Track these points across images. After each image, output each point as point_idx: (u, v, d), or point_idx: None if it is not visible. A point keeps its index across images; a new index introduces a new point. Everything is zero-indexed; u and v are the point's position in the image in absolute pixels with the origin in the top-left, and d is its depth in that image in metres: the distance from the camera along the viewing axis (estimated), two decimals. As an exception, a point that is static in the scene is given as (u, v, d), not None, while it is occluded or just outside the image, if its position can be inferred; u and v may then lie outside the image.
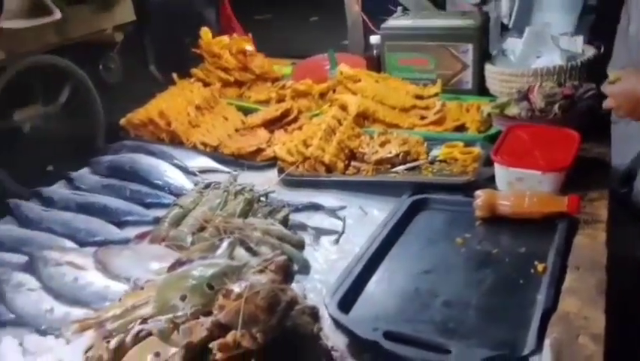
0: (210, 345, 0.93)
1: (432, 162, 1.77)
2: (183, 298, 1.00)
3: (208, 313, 0.99)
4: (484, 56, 2.21)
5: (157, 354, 0.95)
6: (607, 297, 1.16)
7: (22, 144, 2.47)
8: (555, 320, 1.10)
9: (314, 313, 1.10)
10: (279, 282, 1.05)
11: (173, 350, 0.95)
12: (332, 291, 1.22)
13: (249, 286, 0.98)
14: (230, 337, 0.94)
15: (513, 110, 1.86)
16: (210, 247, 1.23)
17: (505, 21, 2.42)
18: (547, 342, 1.04)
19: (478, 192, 1.47)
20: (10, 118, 2.50)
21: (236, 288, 0.98)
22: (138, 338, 1.01)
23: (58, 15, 1.96)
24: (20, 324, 1.24)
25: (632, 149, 2.84)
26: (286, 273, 1.09)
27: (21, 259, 1.40)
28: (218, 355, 0.93)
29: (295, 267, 1.36)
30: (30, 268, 1.35)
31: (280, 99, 2.23)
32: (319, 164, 1.76)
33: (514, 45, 2.20)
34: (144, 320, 1.02)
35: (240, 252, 1.30)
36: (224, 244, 1.21)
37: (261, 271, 1.06)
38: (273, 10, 7.41)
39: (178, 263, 1.17)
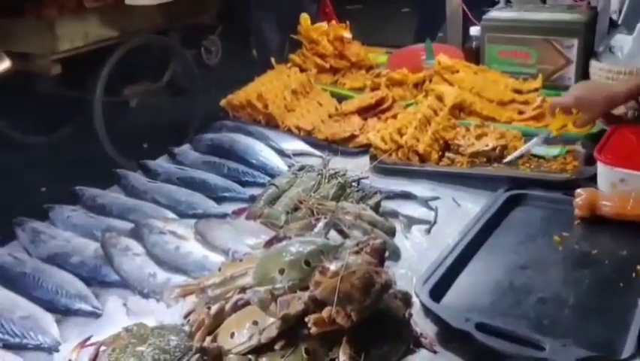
0: (306, 319, 0.96)
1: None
2: (282, 271, 1.04)
3: (305, 289, 1.02)
4: (589, 52, 2.13)
5: (255, 322, 1.00)
6: None
7: (129, 118, 2.61)
8: (656, 326, 1.05)
9: (406, 299, 1.12)
10: (375, 265, 1.06)
11: (271, 320, 0.99)
12: (423, 279, 1.22)
13: (345, 266, 1.00)
14: (325, 313, 0.97)
15: (619, 109, 1.78)
16: (307, 226, 1.26)
17: (615, 17, 2.31)
18: (647, 348, 1.00)
19: (579, 191, 1.42)
20: (120, 93, 2.64)
21: (332, 266, 1.01)
22: (237, 306, 1.06)
23: None
24: (125, 286, 1.31)
25: None
26: (381, 256, 1.10)
27: (128, 225, 1.48)
28: (313, 329, 0.96)
29: (385, 253, 1.38)
30: (136, 234, 1.42)
31: (375, 87, 2.24)
32: (413, 153, 1.76)
33: (622, 42, 2.10)
34: (243, 290, 1.07)
35: (332, 234, 1.33)
36: (321, 224, 1.24)
37: (357, 253, 1.08)
38: (365, 0, 7.41)
39: (276, 239, 1.22)
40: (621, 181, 1.47)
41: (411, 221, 1.52)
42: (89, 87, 2.59)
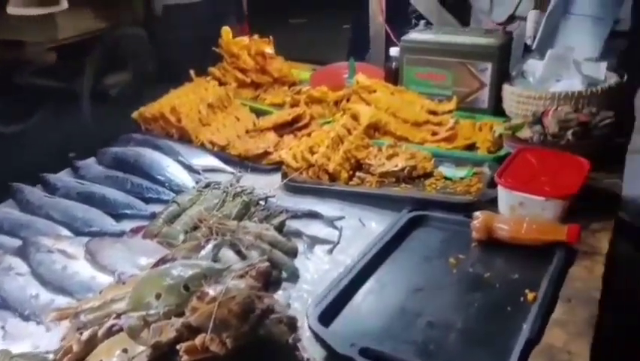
0: (177, 347, 0.93)
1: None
2: (158, 296, 1.00)
3: (182, 315, 0.98)
4: (503, 76, 2.18)
5: (125, 350, 0.95)
6: (597, 333, 1.12)
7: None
8: (537, 352, 1.06)
9: (291, 324, 1.09)
10: (258, 289, 1.04)
11: (142, 348, 0.95)
12: (315, 302, 1.20)
13: (225, 291, 0.97)
14: (198, 340, 0.93)
15: (525, 133, 1.82)
16: (196, 247, 1.22)
17: (529, 42, 2.38)
18: (525, 374, 1.01)
19: (476, 214, 1.44)
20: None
21: (211, 291, 0.98)
22: (111, 333, 1.01)
23: (65, 5, 2.02)
24: (5, 307, 1.24)
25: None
26: (267, 280, 1.08)
27: (16, 243, 1.42)
28: (185, 357, 0.92)
29: (284, 275, 1.36)
30: (22, 252, 1.36)
31: (294, 104, 2.22)
32: (323, 172, 1.75)
33: (534, 67, 2.16)
34: (119, 315, 1.02)
35: (229, 255, 1.30)
36: (210, 246, 1.21)
37: (241, 277, 1.05)
38: (310, 14, 7.44)
39: (162, 261, 1.17)
40: (520, 205, 1.50)
41: (314, 241, 1.50)
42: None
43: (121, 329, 1.00)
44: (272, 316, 1.04)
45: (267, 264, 1.08)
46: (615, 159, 1.83)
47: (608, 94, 1.97)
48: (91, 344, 0.99)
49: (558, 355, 1.06)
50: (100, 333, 1.00)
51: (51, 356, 1.00)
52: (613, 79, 2.06)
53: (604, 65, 2.13)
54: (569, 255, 1.34)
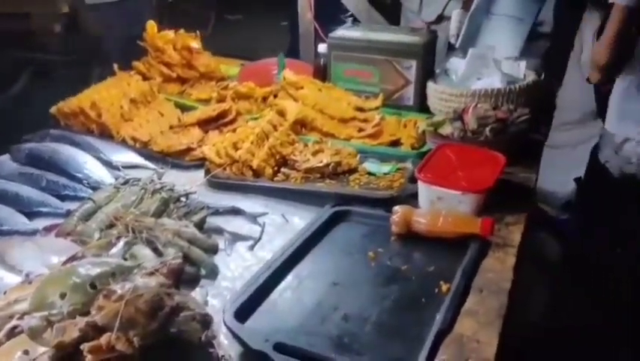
0: (81, 347, 0.90)
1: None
2: (63, 295, 0.96)
3: (88, 314, 0.95)
4: (427, 74, 2.22)
5: (26, 352, 0.92)
6: (505, 322, 1.16)
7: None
8: (448, 342, 1.09)
9: (205, 321, 1.07)
10: (169, 286, 1.02)
11: (44, 349, 0.92)
12: (232, 299, 1.19)
13: (133, 289, 0.95)
14: (103, 339, 0.90)
15: (447, 130, 1.86)
16: (107, 245, 1.19)
17: (453, 41, 2.44)
18: (434, 363, 1.04)
19: (395, 208, 1.46)
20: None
21: (118, 289, 0.95)
22: (13, 334, 0.97)
23: None
24: None
25: (574, 176, 2.91)
26: (178, 277, 1.06)
27: None
28: (89, 357, 0.89)
29: (202, 272, 1.35)
30: None
31: (221, 99, 2.20)
32: (247, 168, 1.73)
33: (457, 65, 2.21)
34: (22, 316, 0.98)
35: (146, 252, 1.27)
36: (121, 243, 1.17)
37: (151, 274, 1.03)
38: (248, 10, 7.38)
39: (72, 259, 1.14)
40: (439, 199, 1.53)
41: (236, 238, 1.49)
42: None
43: (23, 331, 0.96)
44: (184, 313, 1.03)
45: (179, 261, 1.06)
46: (532, 154, 1.90)
47: (526, 92, 2.03)
48: (-8, 347, 0.95)
49: (468, 344, 1.09)
50: (1, 335, 0.95)
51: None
52: (531, 77, 2.13)
53: (523, 63, 2.21)
54: (483, 247, 1.38)
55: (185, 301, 1.01)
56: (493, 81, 2.08)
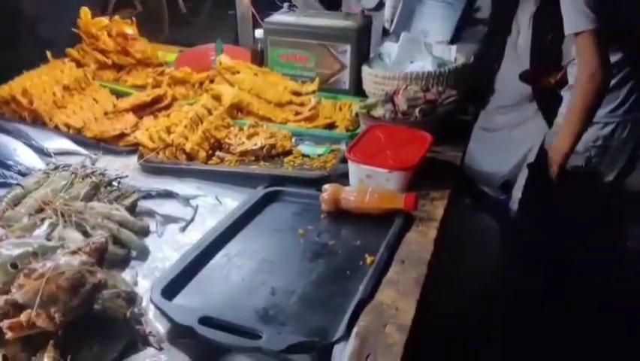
0: (1, 324, 0.91)
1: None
2: (-18, 276, 0.97)
3: (8, 293, 0.96)
4: (363, 58, 2.26)
5: (-55, 332, 0.92)
6: (424, 290, 1.21)
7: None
8: (368, 310, 1.14)
9: (130, 298, 1.10)
10: (92, 264, 1.03)
11: (-38, 328, 0.92)
12: (161, 277, 1.21)
13: (54, 267, 0.96)
14: (24, 316, 0.92)
15: (379, 111, 1.92)
16: (31, 227, 1.19)
17: (387, 26, 2.49)
18: (354, 330, 1.08)
19: (325, 187, 1.50)
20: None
21: (39, 267, 0.96)
22: None
23: None
24: None
25: (511, 158, 3.01)
26: (102, 255, 1.07)
27: None
28: (9, 334, 0.90)
29: (133, 253, 1.36)
30: None
31: (157, 85, 2.19)
32: (180, 152, 1.75)
33: (390, 49, 2.27)
34: (-59, 299, 0.98)
35: (75, 235, 1.27)
36: (45, 225, 1.18)
37: (74, 253, 1.04)
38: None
39: (-4, 242, 1.13)
40: (368, 177, 1.58)
41: (168, 220, 1.50)
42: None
43: (-58, 313, 0.96)
44: (109, 291, 1.05)
45: (102, 240, 1.08)
46: (459, 134, 1.97)
47: (455, 74, 2.10)
48: None
49: (387, 311, 1.14)
50: None
51: None
52: (461, 61, 2.20)
53: (454, 48, 2.28)
54: (408, 221, 1.44)
55: (108, 278, 1.03)
56: (424, 64, 2.15)
